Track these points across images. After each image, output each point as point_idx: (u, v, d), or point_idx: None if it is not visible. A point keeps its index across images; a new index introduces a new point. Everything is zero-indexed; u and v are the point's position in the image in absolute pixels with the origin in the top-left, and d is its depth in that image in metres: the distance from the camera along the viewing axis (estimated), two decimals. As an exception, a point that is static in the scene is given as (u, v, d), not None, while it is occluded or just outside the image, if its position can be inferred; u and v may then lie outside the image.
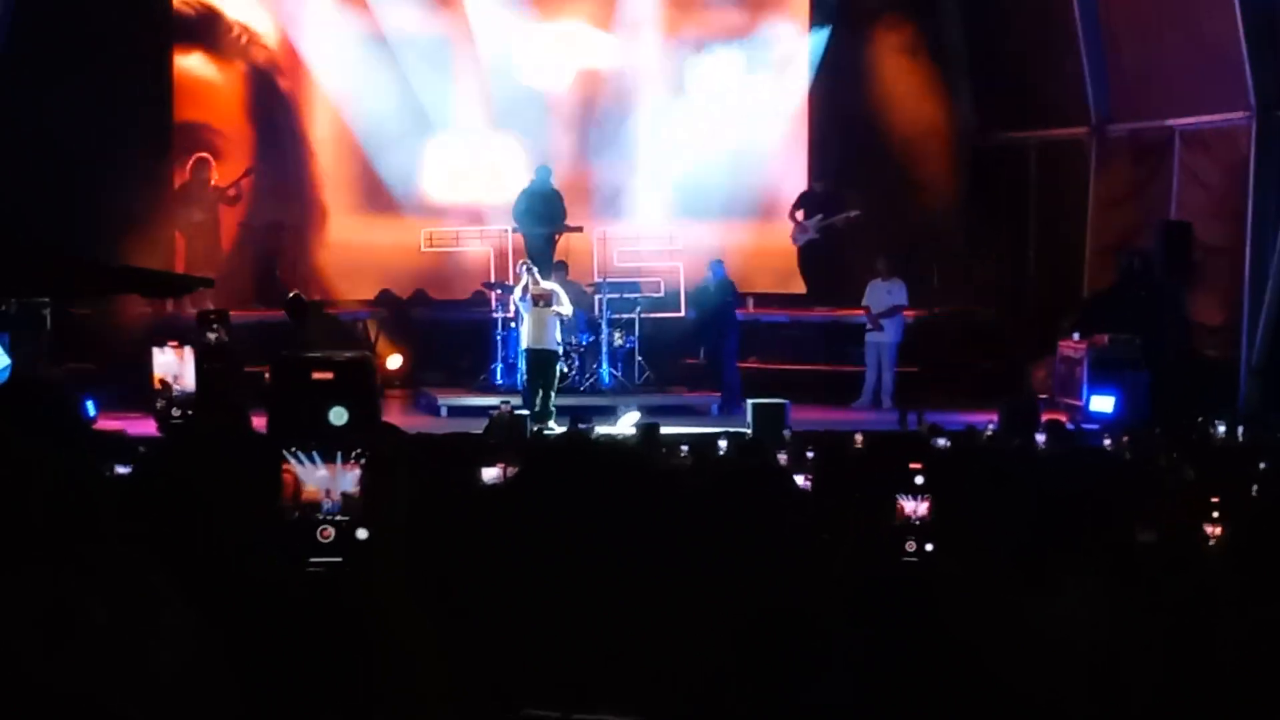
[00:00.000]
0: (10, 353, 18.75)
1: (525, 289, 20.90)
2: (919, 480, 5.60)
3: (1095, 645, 4.51)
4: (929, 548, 5.49)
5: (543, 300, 20.77)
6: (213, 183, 25.03)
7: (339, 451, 3.82)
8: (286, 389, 3.87)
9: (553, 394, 20.61)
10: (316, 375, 3.81)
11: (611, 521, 3.29)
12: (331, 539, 3.82)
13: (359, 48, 25.42)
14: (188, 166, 25.15)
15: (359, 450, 3.84)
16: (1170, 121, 23.00)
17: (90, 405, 18.27)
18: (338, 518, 3.82)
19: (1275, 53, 21.10)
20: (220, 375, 18.22)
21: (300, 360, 3.86)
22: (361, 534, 3.85)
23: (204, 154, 25.22)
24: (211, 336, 19.18)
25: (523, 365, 21.13)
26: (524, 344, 21.00)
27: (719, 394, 22.47)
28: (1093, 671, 4.49)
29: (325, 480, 3.82)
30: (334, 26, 25.46)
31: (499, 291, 22.96)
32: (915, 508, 5.59)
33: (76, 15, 23.13)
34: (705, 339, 23.31)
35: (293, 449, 3.81)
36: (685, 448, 15.27)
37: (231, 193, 24.99)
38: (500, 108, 25.74)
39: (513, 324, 21.83)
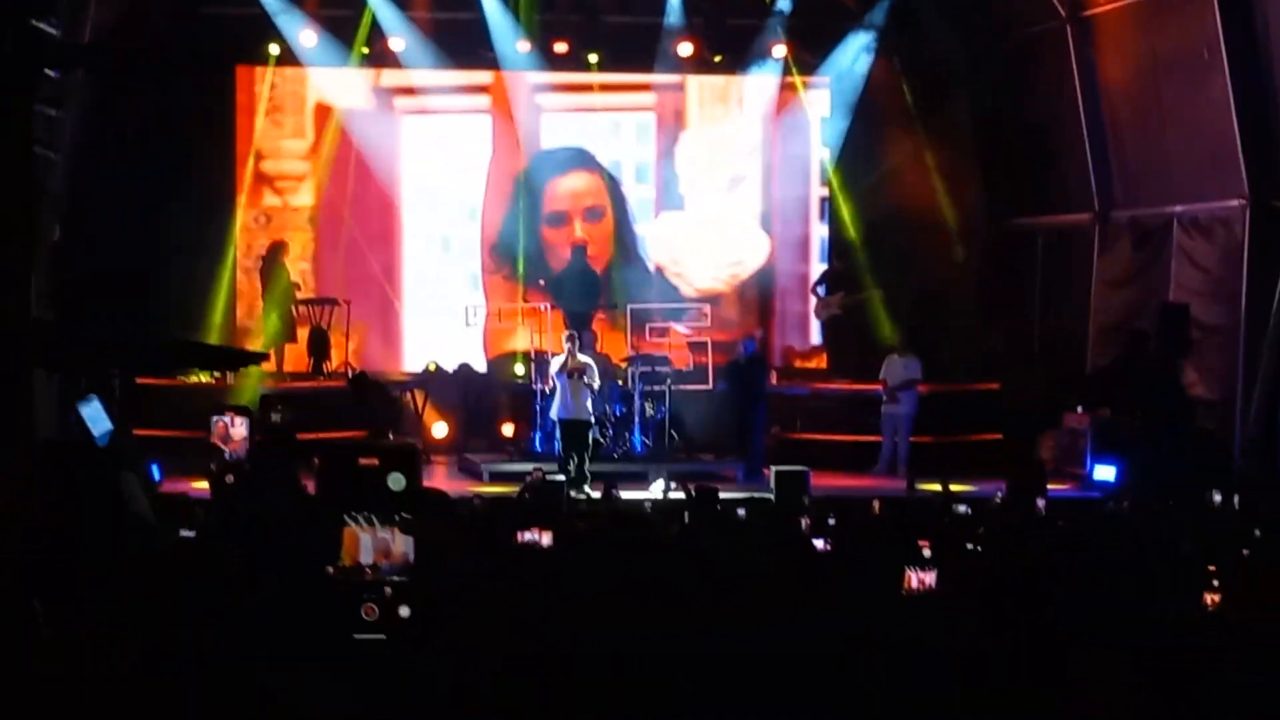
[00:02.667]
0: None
1: (564, 363, 20.93)
2: (926, 554, 5.65)
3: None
4: (936, 617, 5.51)
5: (577, 373, 20.83)
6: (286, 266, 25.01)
7: (395, 516, 3.85)
8: (335, 474, 3.90)
9: (588, 460, 20.65)
10: (363, 461, 3.83)
11: (637, 584, 3.30)
12: (376, 616, 3.81)
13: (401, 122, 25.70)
14: (265, 249, 25.17)
15: (411, 517, 3.86)
16: (1169, 209, 23.01)
17: (155, 470, 18.35)
18: (393, 578, 3.83)
19: (1268, 146, 21.13)
20: (278, 453, 18.38)
21: (346, 448, 3.90)
22: (404, 611, 3.83)
23: (281, 239, 25.22)
24: (275, 417, 19.46)
25: (559, 433, 21.17)
26: (558, 414, 21.03)
27: (744, 461, 22.45)
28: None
29: (382, 543, 3.84)
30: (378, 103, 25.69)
31: (537, 364, 23.03)
32: (923, 579, 5.62)
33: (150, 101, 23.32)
34: (736, 409, 23.26)
35: (352, 514, 3.84)
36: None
37: (298, 283, 24.93)
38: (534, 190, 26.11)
39: (550, 394, 21.81)
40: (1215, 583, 7.42)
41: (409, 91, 25.74)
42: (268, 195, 25.67)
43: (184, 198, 23.88)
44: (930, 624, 5.66)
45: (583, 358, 21.09)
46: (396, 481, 3.89)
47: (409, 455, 3.99)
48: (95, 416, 19.46)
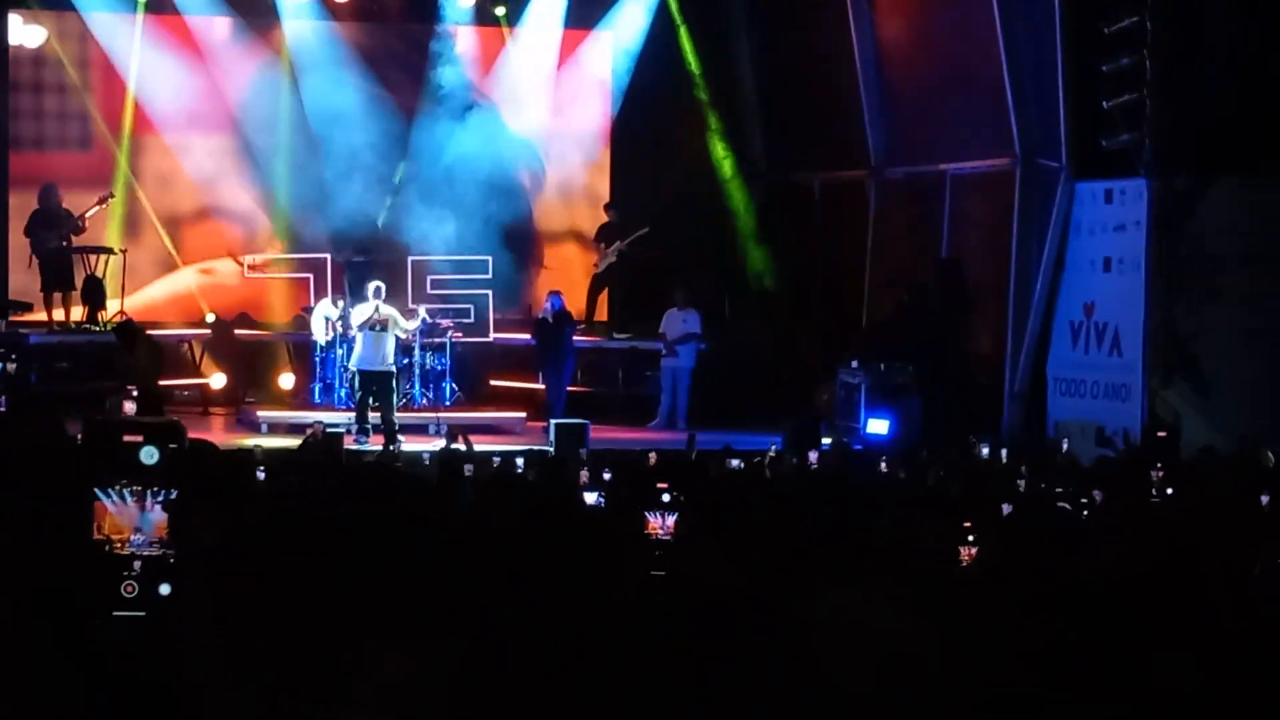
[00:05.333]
0: None
1: (366, 314, 20.75)
2: (665, 498, 5.71)
3: (865, 656, 4.54)
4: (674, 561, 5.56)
5: (380, 325, 20.72)
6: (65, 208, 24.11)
7: (148, 491, 3.84)
8: (98, 447, 3.87)
9: (393, 411, 20.54)
10: (128, 438, 3.81)
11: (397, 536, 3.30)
12: (135, 594, 3.80)
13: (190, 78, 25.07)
14: (37, 193, 24.32)
15: (168, 490, 3.85)
16: (942, 166, 23.41)
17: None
18: (145, 553, 3.82)
19: (1038, 105, 21.58)
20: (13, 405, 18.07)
21: (113, 424, 3.87)
22: (164, 589, 3.81)
23: (53, 181, 24.34)
24: (11, 367, 18.97)
25: (352, 384, 21.06)
26: (359, 365, 20.85)
27: (524, 413, 22.54)
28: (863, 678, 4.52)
29: (134, 517, 3.83)
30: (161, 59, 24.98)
31: (336, 316, 22.67)
32: (662, 523, 5.70)
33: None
34: (544, 364, 23.22)
35: (104, 487, 3.82)
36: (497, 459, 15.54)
37: (83, 224, 24.01)
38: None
39: (343, 345, 21.63)
40: (970, 538, 7.59)
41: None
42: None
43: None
44: (665, 564, 5.71)
45: (386, 309, 20.96)
46: (149, 455, 3.86)
47: (171, 431, 3.96)
48: None
